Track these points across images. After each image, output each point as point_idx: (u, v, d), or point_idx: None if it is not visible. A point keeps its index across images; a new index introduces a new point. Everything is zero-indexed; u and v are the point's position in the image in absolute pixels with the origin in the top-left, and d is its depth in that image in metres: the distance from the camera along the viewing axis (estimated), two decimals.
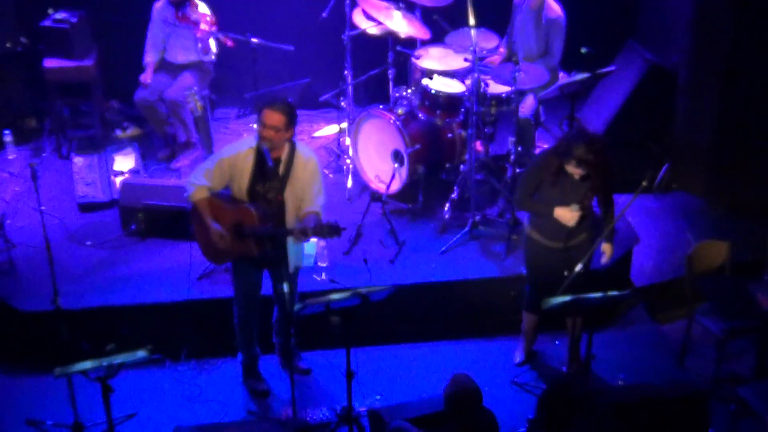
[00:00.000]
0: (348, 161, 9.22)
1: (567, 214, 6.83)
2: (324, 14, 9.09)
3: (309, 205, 6.67)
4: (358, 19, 9.22)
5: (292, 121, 6.57)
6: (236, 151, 6.64)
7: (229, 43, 9.25)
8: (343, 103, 9.51)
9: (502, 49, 9.07)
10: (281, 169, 6.59)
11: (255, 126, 6.59)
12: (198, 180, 6.66)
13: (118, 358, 5.65)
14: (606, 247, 7.03)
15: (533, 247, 7.14)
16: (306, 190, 6.68)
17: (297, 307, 6.09)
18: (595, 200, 6.99)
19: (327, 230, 6.32)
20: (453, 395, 5.65)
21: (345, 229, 6.38)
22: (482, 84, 8.40)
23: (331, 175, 9.43)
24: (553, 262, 7.00)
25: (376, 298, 6.13)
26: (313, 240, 8.05)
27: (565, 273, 6.89)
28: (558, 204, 6.83)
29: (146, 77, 9.25)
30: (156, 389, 7.42)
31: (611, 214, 6.98)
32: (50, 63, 9.56)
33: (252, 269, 6.93)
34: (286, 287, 6.38)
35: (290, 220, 6.71)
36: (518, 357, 7.70)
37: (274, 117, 6.47)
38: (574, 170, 6.69)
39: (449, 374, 5.83)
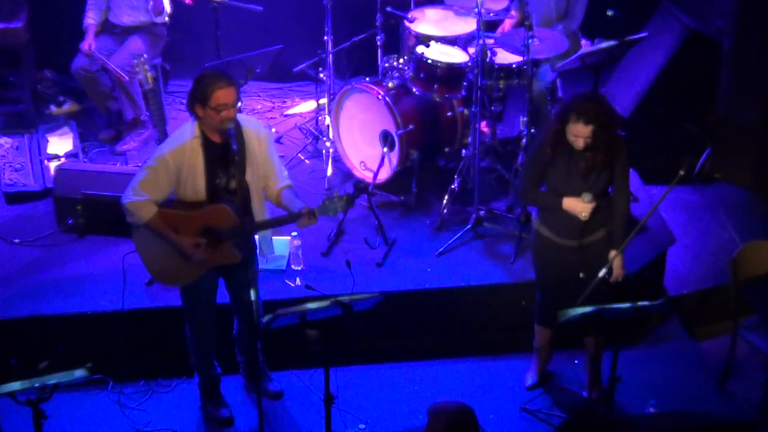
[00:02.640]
0: (328, 144, 9.24)
1: (578, 205, 6.85)
2: None
3: (276, 182, 6.76)
4: None
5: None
6: (179, 144, 6.56)
7: (187, 0, 9.25)
8: (321, 75, 9.52)
9: (513, 12, 9.10)
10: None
11: (200, 115, 6.52)
12: (138, 195, 6.52)
13: (53, 378, 5.65)
14: (616, 261, 6.94)
15: (543, 245, 7.17)
16: (267, 166, 6.75)
17: (266, 318, 6.11)
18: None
19: (340, 203, 6.48)
20: (451, 427, 5.64)
21: (359, 197, 6.43)
22: (489, 53, 8.43)
23: (307, 161, 9.46)
24: (567, 263, 7.03)
25: (361, 307, 6.15)
26: (285, 237, 8.09)
27: (581, 275, 6.92)
28: (567, 192, 6.87)
29: (86, 43, 9.24)
30: (97, 415, 7.43)
31: (626, 204, 7.01)
32: None
33: (207, 277, 6.90)
34: (252, 294, 6.40)
35: (257, 207, 6.76)
36: (529, 379, 7.74)
37: (232, 93, 6.48)
38: (577, 131, 6.64)
39: (447, 399, 5.85)
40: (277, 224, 6.83)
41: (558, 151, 6.82)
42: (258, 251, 7.02)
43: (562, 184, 6.88)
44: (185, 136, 6.57)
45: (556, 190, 6.93)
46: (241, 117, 6.70)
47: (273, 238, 7.24)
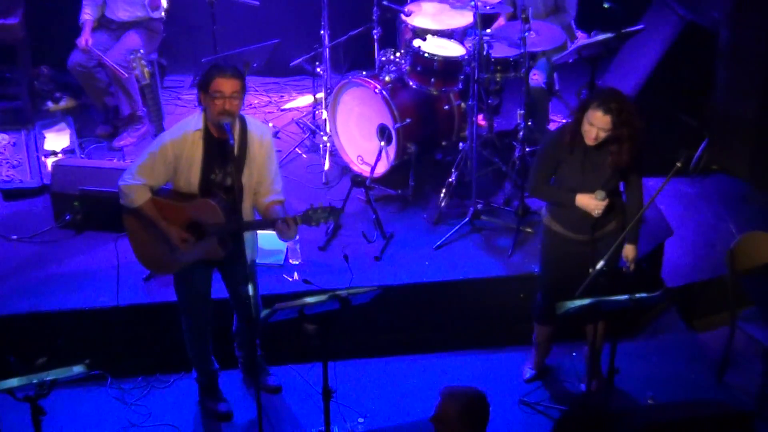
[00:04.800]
0: (325, 139, 9.24)
1: (591, 203, 6.82)
2: None
3: (267, 192, 6.74)
4: None
5: (245, 87, 6.64)
6: (182, 134, 6.58)
7: None
8: (318, 69, 9.52)
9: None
10: (235, 149, 6.61)
11: (203, 104, 6.53)
12: (135, 179, 6.57)
13: (51, 375, 5.65)
14: (629, 250, 6.98)
15: (554, 240, 7.13)
16: (263, 172, 6.73)
17: (264, 313, 6.11)
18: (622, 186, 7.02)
19: (323, 214, 6.40)
20: (467, 408, 5.60)
21: (343, 211, 6.38)
22: (485, 46, 8.43)
23: (304, 156, 9.46)
24: (578, 257, 6.99)
25: (359, 301, 6.15)
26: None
27: (590, 270, 6.91)
28: (579, 189, 6.85)
29: (83, 39, 9.22)
30: (95, 411, 7.44)
31: (639, 204, 7.00)
32: None
33: (200, 270, 6.93)
34: (250, 289, 6.40)
35: (247, 208, 6.75)
36: (528, 372, 7.75)
37: (233, 83, 6.49)
38: (594, 119, 6.59)
39: None
40: (261, 227, 6.81)
41: (575, 143, 6.79)
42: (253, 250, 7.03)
43: (576, 181, 6.85)
44: (189, 127, 6.60)
45: (568, 187, 6.91)
46: (248, 118, 6.71)
47: (271, 233, 7.21)
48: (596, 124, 6.63)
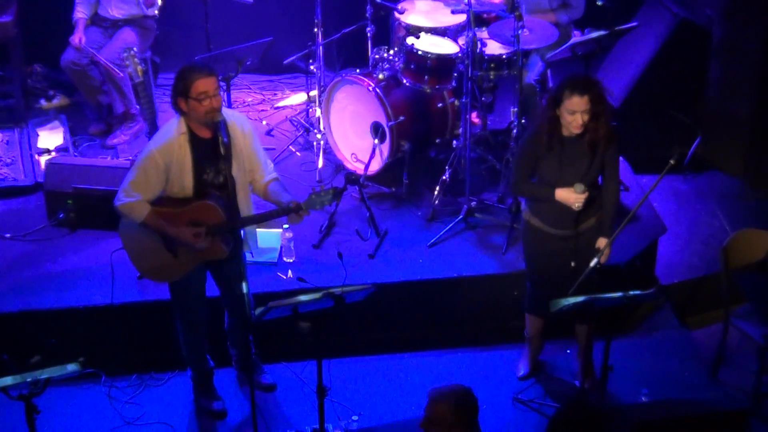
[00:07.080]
0: (319, 136, 9.24)
1: (571, 196, 6.82)
2: None
3: (262, 175, 6.78)
4: None
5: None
6: (166, 140, 6.55)
7: None
8: (312, 67, 9.53)
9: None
10: (221, 144, 6.60)
11: (185, 109, 6.50)
12: (131, 197, 6.52)
13: (45, 373, 5.65)
14: (602, 243, 6.92)
15: (534, 235, 7.15)
16: (253, 159, 6.75)
17: (258, 311, 6.11)
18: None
19: (326, 196, 6.49)
20: (461, 404, 5.61)
21: (346, 190, 6.35)
22: (479, 43, 8.43)
23: (298, 153, 9.46)
24: (559, 252, 7.02)
25: (353, 299, 6.16)
26: (276, 230, 8.07)
27: (572, 264, 6.93)
28: (558, 184, 6.86)
29: (77, 36, 9.21)
30: (90, 409, 7.43)
31: (615, 194, 7.01)
32: None
33: (195, 269, 6.90)
34: (244, 287, 6.40)
35: (242, 201, 6.76)
36: (522, 369, 7.74)
37: (213, 80, 6.48)
38: (573, 105, 6.63)
39: None
40: (266, 219, 6.81)
41: (553, 140, 6.80)
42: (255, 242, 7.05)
43: (555, 176, 6.86)
44: (171, 133, 6.56)
45: (548, 182, 6.92)
46: (225, 111, 6.69)
47: (265, 231, 7.24)
48: (578, 109, 6.65)
